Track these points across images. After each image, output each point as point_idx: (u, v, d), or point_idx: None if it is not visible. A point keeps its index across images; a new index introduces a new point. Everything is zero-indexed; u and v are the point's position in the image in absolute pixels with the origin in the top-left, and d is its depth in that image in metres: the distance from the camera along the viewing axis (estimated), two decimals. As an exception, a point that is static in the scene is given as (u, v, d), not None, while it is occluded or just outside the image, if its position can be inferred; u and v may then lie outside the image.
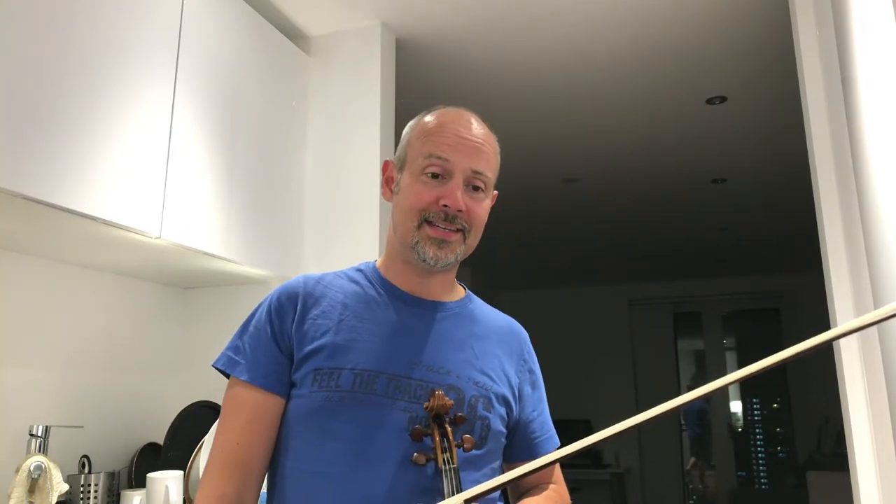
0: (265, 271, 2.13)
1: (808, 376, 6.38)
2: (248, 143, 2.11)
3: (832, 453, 5.05)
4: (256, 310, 1.06)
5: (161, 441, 2.05)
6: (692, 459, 6.96)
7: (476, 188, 1.03)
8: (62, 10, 1.52)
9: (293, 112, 2.38)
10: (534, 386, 1.13)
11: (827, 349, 1.93)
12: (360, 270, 1.11)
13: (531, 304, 7.05)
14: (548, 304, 7.20)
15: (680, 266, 6.55)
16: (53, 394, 1.88)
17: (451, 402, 0.93)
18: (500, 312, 1.19)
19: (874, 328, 1.68)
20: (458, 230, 1.01)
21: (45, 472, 1.61)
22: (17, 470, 1.60)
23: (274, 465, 1.01)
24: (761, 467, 6.88)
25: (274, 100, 2.27)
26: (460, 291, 1.15)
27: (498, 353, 1.09)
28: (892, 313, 0.56)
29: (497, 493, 1.03)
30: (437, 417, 0.93)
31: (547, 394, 1.17)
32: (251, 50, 2.17)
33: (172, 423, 2.03)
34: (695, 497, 6.90)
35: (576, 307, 7.25)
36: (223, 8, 2.06)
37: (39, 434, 1.68)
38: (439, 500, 0.82)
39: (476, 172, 1.02)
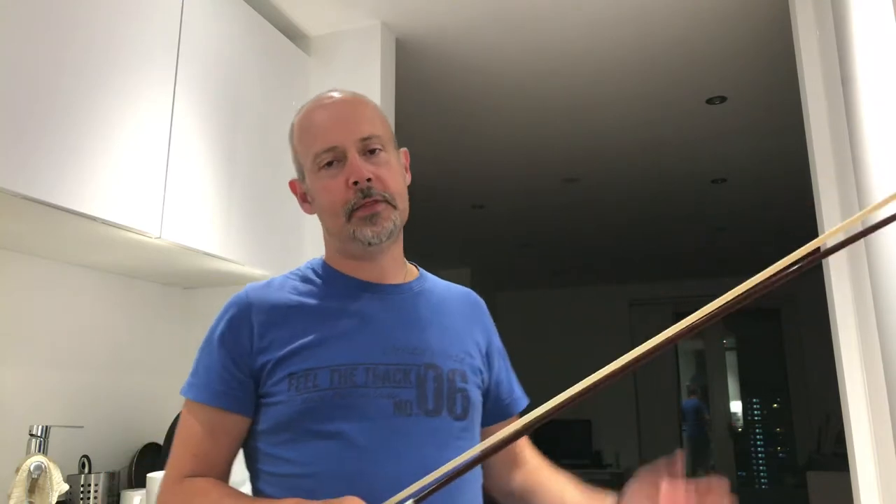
0: (265, 271, 2.13)
1: (808, 376, 6.38)
2: (248, 143, 2.11)
3: (832, 453, 5.05)
4: (211, 330, 1.03)
5: (161, 441, 2.05)
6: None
7: (373, 151, 1.02)
8: (62, 10, 1.51)
9: (293, 112, 2.37)
10: (499, 351, 1.16)
11: (827, 349, 1.92)
12: (310, 268, 1.10)
13: (531, 304, 7.05)
14: (548, 304, 7.20)
15: (680, 266, 6.55)
16: (53, 394, 1.88)
17: None
18: (456, 285, 1.19)
19: (877, 331, 1.68)
20: (380, 201, 1.00)
21: (45, 472, 1.61)
22: (17, 470, 1.60)
23: (254, 478, 0.99)
24: (761, 467, 6.88)
25: (274, 100, 2.27)
26: (413, 272, 1.14)
27: (464, 324, 1.10)
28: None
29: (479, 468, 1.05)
30: None
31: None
32: (251, 50, 2.17)
33: (172, 423, 2.03)
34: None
35: (576, 307, 7.25)
36: (223, 8, 2.06)
37: (39, 434, 1.68)
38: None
39: (364, 139, 1.02)
